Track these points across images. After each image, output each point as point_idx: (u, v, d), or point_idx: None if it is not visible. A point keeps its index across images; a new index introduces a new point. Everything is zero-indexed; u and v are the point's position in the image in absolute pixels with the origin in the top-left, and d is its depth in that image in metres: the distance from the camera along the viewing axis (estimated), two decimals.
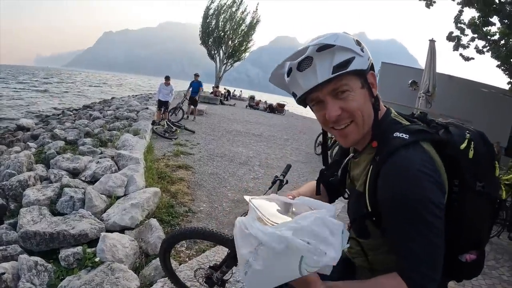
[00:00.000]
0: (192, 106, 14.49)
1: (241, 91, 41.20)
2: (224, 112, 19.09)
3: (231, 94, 34.02)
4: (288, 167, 2.24)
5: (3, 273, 2.78)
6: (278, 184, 2.05)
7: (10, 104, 24.35)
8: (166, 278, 2.84)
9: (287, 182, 2.06)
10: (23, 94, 32.53)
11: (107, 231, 3.61)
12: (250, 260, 0.93)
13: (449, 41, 13.04)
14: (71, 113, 17.08)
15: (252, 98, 28.91)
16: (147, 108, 14.48)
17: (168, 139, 9.55)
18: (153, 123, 10.57)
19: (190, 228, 2.38)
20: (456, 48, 12.99)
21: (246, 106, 26.52)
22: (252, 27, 37.71)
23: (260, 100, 29.72)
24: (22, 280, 2.80)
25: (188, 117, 14.22)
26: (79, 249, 3.19)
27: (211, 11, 37.01)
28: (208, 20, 36.78)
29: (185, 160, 7.34)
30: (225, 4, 36.96)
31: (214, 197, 5.34)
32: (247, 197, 1.17)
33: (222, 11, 36.73)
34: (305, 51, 0.99)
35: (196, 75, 15.17)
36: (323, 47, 0.97)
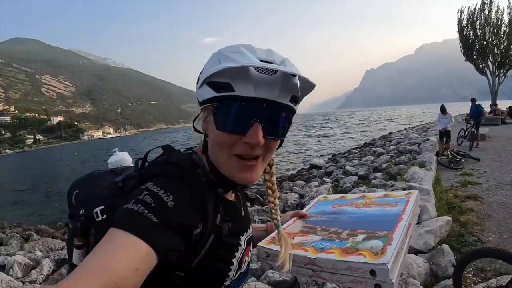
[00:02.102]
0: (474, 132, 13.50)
1: None
2: (508, 133, 16.77)
3: None
4: None
5: None
6: None
7: (300, 148, 29.20)
8: None
9: None
10: (306, 138, 38.43)
11: None
12: None
13: None
14: (356, 151, 19.05)
15: None
16: (427, 140, 14.65)
17: (454, 169, 9.46)
18: (437, 154, 10.63)
19: (486, 248, 2.63)
20: None
21: None
22: None
23: None
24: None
25: (477, 145, 13.08)
26: None
27: (464, 22, 33.84)
28: (465, 33, 33.72)
29: (472, 190, 7.23)
30: (475, 9, 33.15)
31: (503, 228, 5.08)
32: None
33: (475, 18, 33.02)
34: None
35: (473, 100, 14.28)
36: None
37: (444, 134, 11.54)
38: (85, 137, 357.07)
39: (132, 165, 1.18)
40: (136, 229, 0.65)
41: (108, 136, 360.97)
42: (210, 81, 0.78)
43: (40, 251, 6.70)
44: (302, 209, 1.51)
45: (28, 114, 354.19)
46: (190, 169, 0.82)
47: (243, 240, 0.97)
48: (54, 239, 7.85)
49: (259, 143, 0.77)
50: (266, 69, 0.74)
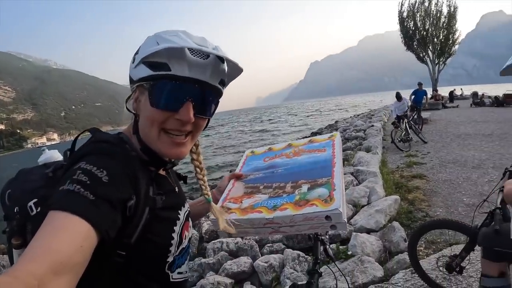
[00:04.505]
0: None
1: (461, 89, 37.20)
2: (449, 116, 17.91)
3: (453, 94, 30.76)
4: None
5: None
6: (508, 175, 2.23)
7: (249, 142, 29.28)
8: (407, 270, 3.30)
9: None
10: (253, 132, 38.58)
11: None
12: None
13: None
14: None
15: (475, 94, 25.80)
16: (372, 126, 15.20)
17: (400, 150, 9.82)
18: (393, 123, 10.88)
19: (438, 219, 2.78)
20: None
21: (471, 105, 23.77)
22: (452, 16, 33.89)
23: (483, 94, 26.22)
24: (287, 267, 3.78)
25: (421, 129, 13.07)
26: (333, 246, 3.99)
27: (405, 14, 35.39)
28: (405, 24, 35.24)
29: (418, 169, 7.58)
30: (416, 2, 34.84)
31: (449, 202, 5.36)
32: None
33: (416, 10, 34.68)
34: None
35: (420, 84, 14.72)
36: None
37: (401, 119, 11.32)
38: (29, 145, 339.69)
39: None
40: (74, 208, 0.65)
41: (48, 143, 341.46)
42: (147, 61, 0.83)
43: None
44: None
45: None
46: (118, 144, 0.85)
47: (181, 214, 0.99)
48: (4, 255, 7.37)
49: (190, 120, 0.85)
50: (200, 53, 0.82)
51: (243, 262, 4.07)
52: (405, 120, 10.90)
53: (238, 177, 1.46)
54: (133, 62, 0.88)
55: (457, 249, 2.86)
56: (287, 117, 67.28)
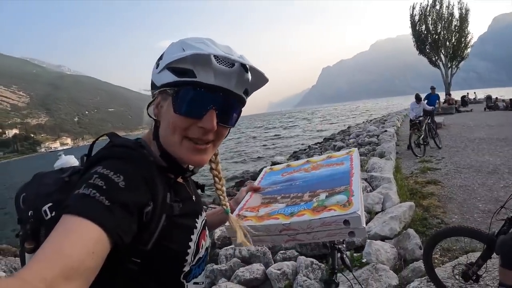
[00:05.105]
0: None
1: (474, 92, 36.77)
2: (462, 120, 17.69)
3: (466, 98, 30.28)
4: None
5: None
6: None
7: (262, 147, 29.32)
8: (422, 278, 3.23)
9: None
10: (267, 138, 38.54)
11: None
12: None
13: None
14: (316, 146, 19.59)
15: (489, 98, 25.40)
16: (385, 131, 15.07)
17: (415, 156, 9.65)
18: (414, 125, 10.45)
19: (454, 226, 2.74)
20: None
21: (484, 109, 23.44)
22: (463, 19, 33.72)
23: (496, 98, 25.82)
24: (300, 274, 3.75)
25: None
26: (347, 253, 3.90)
27: (416, 18, 35.28)
28: (417, 28, 35.14)
29: (432, 175, 7.48)
30: (427, 5, 34.76)
31: (465, 208, 5.28)
32: None
33: (427, 14, 34.57)
34: None
35: (433, 88, 14.46)
36: None
37: (417, 123, 10.79)
38: (42, 150, 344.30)
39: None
40: (88, 213, 0.64)
41: (61, 147, 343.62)
42: (172, 67, 0.82)
43: (4, 272, 6.36)
44: None
45: None
46: (136, 149, 0.83)
47: (199, 223, 0.98)
48: (16, 258, 7.48)
49: (213, 129, 0.84)
50: (226, 61, 0.81)
51: (256, 269, 4.06)
52: (426, 121, 10.67)
53: (255, 190, 1.46)
54: (156, 68, 0.87)
55: (474, 256, 2.81)
56: (301, 121, 67.60)
